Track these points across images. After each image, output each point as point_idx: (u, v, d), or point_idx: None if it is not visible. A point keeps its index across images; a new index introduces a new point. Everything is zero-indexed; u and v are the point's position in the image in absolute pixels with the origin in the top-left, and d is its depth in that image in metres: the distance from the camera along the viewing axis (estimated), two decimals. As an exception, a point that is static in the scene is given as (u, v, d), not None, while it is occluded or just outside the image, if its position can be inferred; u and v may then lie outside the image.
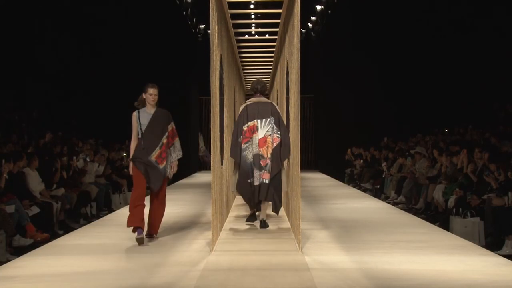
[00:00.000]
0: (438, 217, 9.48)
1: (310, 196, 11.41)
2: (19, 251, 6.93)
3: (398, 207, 10.64)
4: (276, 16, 9.61)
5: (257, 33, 14.71)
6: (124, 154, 14.03)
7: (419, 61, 15.92)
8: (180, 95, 18.50)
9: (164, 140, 6.76)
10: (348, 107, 17.21)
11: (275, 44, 11.38)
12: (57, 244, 6.64)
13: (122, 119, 16.29)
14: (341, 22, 17.35)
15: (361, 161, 15.75)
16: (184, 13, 18.67)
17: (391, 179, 12.55)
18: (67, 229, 8.50)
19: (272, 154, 7.05)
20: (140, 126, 6.87)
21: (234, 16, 9.73)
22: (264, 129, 7.14)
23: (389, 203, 11.22)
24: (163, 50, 16.97)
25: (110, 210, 10.70)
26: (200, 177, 17.96)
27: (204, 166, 21.16)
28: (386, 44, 16.17)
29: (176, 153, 7.05)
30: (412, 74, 16.03)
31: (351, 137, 17.12)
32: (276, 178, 7.05)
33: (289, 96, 7.92)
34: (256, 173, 7.03)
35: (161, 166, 6.68)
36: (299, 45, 6.36)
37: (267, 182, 7.01)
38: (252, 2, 13.29)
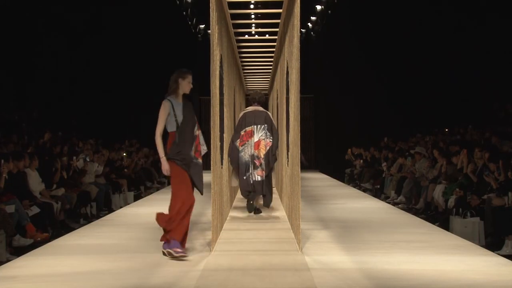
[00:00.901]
0: (438, 217, 9.48)
1: (310, 196, 11.40)
2: (19, 251, 6.93)
3: (398, 207, 10.64)
4: (276, 16, 9.61)
5: (257, 33, 14.70)
6: (124, 154, 14.03)
7: (419, 61, 15.92)
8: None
9: (197, 132, 5.95)
10: (348, 107, 17.21)
11: (275, 44, 11.38)
12: (57, 244, 6.64)
13: (122, 119, 16.37)
14: (341, 22, 17.35)
15: (361, 161, 15.75)
16: (184, 13, 18.68)
17: (391, 179, 12.54)
18: (67, 229, 8.50)
19: (265, 155, 8.19)
20: (176, 117, 5.91)
21: (234, 16, 9.73)
22: (258, 134, 8.35)
23: (389, 203, 11.21)
24: (163, 50, 16.98)
25: (110, 210, 10.70)
26: (200, 177, 17.92)
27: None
28: (386, 44, 16.17)
29: (203, 147, 6.13)
30: (412, 74, 16.03)
31: (351, 137, 17.12)
32: (268, 176, 8.18)
33: (289, 96, 7.92)
34: (253, 170, 8.15)
35: (200, 161, 5.94)
36: (299, 45, 6.35)
37: (260, 179, 8.13)
38: (252, 2, 13.28)
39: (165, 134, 5.95)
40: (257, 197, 8.54)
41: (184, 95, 6.04)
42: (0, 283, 4.79)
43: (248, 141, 8.32)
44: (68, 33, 16.01)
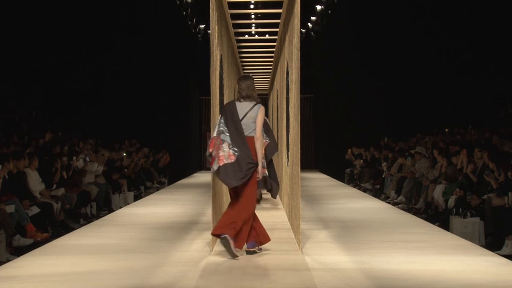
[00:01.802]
0: (438, 217, 9.48)
1: (310, 196, 11.40)
2: (19, 251, 6.94)
3: (398, 207, 10.64)
4: (276, 16, 9.62)
5: (257, 33, 14.71)
6: (124, 154, 14.04)
7: (419, 61, 15.91)
8: (181, 95, 18.51)
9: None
10: (348, 107, 17.21)
11: (275, 44, 11.39)
12: (57, 244, 6.64)
13: (122, 119, 16.37)
14: (341, 22, 17.35)
15: (361, 161, 15.75)
16: (184, 13, 18.67)
17: (391, 179, 12.54)
18: (67, 229, 8.50)
19: (264, 153, 7.86)
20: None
21: (234, 16, 9.73)
22: None
23: (389, 203, 11.21)
24: (163, 50, 16.98)
25: (110, 210, 10.70)
26: (200, 177, 17.97)
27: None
28: (386, 44, 16.16)
29: None
30: (412, 74, 16.02)
31: (351, 137, 17.12)
32: (270, 171, 7.54)
33: (289, 96, 7.92)
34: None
35: None
36: (299, 45, 6.36)
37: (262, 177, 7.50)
38: (252, 2, 13.30)
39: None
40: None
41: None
42: (0, 283, 4.79)
43: None
44: (68, 33, 16.00)
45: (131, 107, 16.57)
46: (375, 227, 7.53)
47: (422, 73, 15.97)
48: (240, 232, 5.56)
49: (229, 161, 5.53)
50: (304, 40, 20.38)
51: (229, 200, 5.94)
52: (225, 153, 5.58)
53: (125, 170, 13.10)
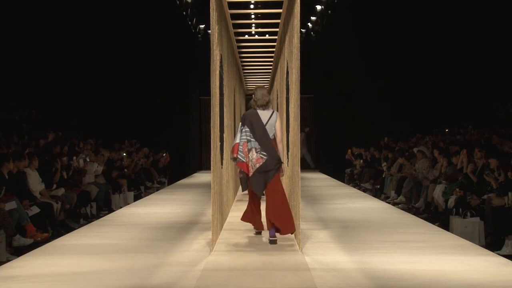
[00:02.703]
0: (438, 217, 9.48)
1: (310, 196, 11.40)
2: (19, 251, 6.94)
3: (398, 207, 10.64)
4: (276, 16, 9.62)
5: (257, 33, 14.71)
6: (124, 154, 14.04)
7: (420, 61, 15.91)
8: (181, 95, 18.51)
9: None
10: (348, 107, 17.21)
11: (275, 44, 11.38)
12: (57, 244, 6.64)
13: (122, 119, 16.37)
14: (341, 22, 17.35)
15: (361, 161, 15.75)
16: (184, 13, 18.67)
17: (391, 179, 12.54)
18: (67, 229, 8.50)
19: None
20: None
21: (234, 16, 9.73)
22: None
23: (389, 203, 11.22)
24: (163, 50, 16.98)
25: (110, 210, 10.70)
26: (200, 177, 17.96)
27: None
28: (386, 44, 16.16)
29: None
30: (413, 74, 16.02)
31: (351, 137, 17.12)
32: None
33: (289, 96, 7.92)
34: None
35: None
36: (299, 45, 6.36)
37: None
38: (252, 2, 13.29)
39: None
40: None
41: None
42: (0, 283, 4.79)
43: None
44: (68, 33, 16.01)
45: (131, 107, 16.58)
46: (375, 227, 7.53)
47: (422, 73, 15.97)
48: (271, 219, 6.27)
49: (258, 165, 6.31)
50: (304, 40, 20.38)
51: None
52: (253, 160, 6.34)
53: (125, 170, 13.10)
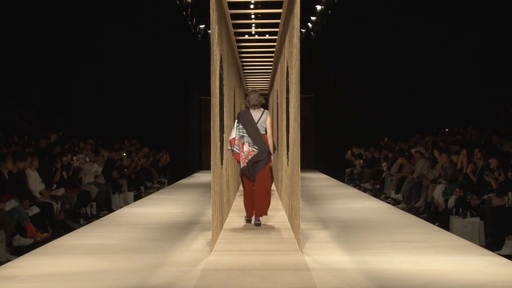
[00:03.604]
0: (438, 217, 9.48)
1: (310, 196, 11.40)
2: (19, 251, 6.94)
3: (398, 207, 10.64)
4: (276, 16, 9.62)
5: (257, 33, 14.70)
6: (124, 154, 14.03)
7: (420, 61, 15.91)
8: (181, 95, 18.51)
9: None
10: (348, 106, 17.21)
11: (275, 44, 11.38)
12: (57, 244, 6.64)
13: (122, 119, 16.37)
14: (341, 22, 17.35)
15: (361, 161, 15.75)
16: (184, 13, 18.67)
17: (391, 179, 12.54)
18: (67, 229, 8.50)
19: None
20: None
21: (234, 16, 9.73)
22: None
23: (389, 203, 11.21)
24: (163, 50, 16.98)
25: (110, 210, 10.70)
26: (200, 177, 17.96)
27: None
28: (386, 44, 16.16)
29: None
30: (413, 73, 16.02)
31: (351, 137, 17.12)
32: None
33: (289, 96, 7.92)
34: None
35: None
36: (299, 45, 6.35)
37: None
38: (252, 2, 13.28)
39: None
40: None
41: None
42: (0, 283, 4.79)
43: None
44: (69, 33, 16.00)
45: (131, 107, 16.58)
46: (375, 227, 7.52)
47: (422, 73, 15.97)
48: (257, 206, 7.41)
49: (250, 156, 7.43)
50: (304, 40, 20.38)
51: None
52: (245, 153, 7.44)
53: (125, 170, 13.10)
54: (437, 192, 9.74)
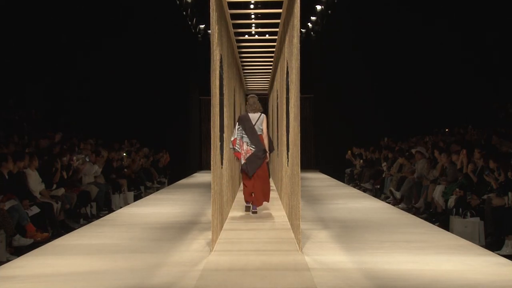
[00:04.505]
0: (438, 217, 9.48)
1: (310, 196, 11.40)
2: (19, 251, 6.93)
3: (398, 207, 10.64)
4: (276, 16, 9.62)
5: (257, 33, 14.71)
6: (124, 154, 14.03)
7: (420, 60, 15.91)
8: (181, 95, 18.51)
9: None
10: (348, 106, 17.21)
11: (275, 44, 11.39)
12: (57, 244, 6.64)
13: (122, 119, 16.37)
14: (341, 22, 17.35)
15: (361, 161, 15.75)
16: (184, 13, 18.67)
17: (391, 179, 12.54)
18: (67, 229, 8.50)
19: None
20: None
21: (234, 16, 9.73)
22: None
23: (389, 203, 11.21)
24: (163, 50, 16.98)
25: (110, 210, 10.70)
26: (200, 177, 17.97)
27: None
28: (386, 44, 16.16)
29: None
30: (413, 74, 16.02)
31: (351, 137, 17.12)
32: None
33: (289, 96, 7.92)
34: None
35: None
36: (299, 45, 6.35)
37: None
38: (252, 2, 13.29)
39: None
40: None
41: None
42: (0, 283, 4.79)
43: None
44: (69, 33, 16.01)
45: (131, 107, 16.58)
46: (375, 227, 7.52)
47: (422, 73, 15.97)
48: (256, 197, 8.57)
49: (248, 155, 8.47)
50: (304, 40, 20.38)
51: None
52: (244, 151, 8.50)
53: (125, 170, 13.10)
54: (437, 192, 9.74)
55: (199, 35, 20.92)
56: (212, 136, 6.42)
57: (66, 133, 13.65)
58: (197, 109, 21.58)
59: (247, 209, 8.79)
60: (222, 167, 7.67)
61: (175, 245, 6.39)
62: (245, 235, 7.03)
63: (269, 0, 10.05)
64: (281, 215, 8.65)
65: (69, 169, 10.31)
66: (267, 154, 8.66)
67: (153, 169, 15.30)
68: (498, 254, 6.13)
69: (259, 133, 8.60)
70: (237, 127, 8.66)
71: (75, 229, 8.22)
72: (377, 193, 13.27)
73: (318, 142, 21.56)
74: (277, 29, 10.22)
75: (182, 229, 7.49)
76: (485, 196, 8.18)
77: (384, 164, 13.67)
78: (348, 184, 15.56)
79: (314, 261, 5.46)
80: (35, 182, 8.75)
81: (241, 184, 10.07)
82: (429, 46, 15.89)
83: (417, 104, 16.01)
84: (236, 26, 10.28)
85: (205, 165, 21.05)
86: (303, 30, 20.73)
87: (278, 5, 8.88)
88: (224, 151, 8.10)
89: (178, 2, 17.58)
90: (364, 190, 13.80)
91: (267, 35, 12.87)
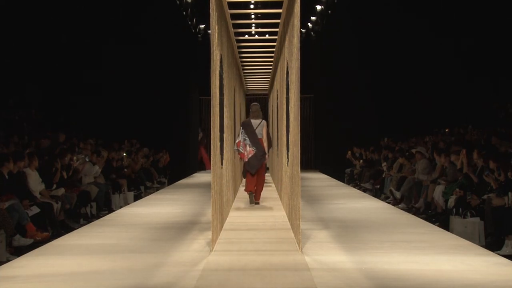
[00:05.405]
0: (438, 217, 9.48)
1: (310, 196, 11.40)
2: (19, 251, 6.93)
3: (398, 207, 10.64)
4: (276, 16, 9.62)
5: (257, 33, 14.71)
6: (124, 154, 14.02)
7: (420, 60, 15.91)
8: (181, 95, 18.51)
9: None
10: (348, 107, 17.20)
11: (275, 44, 11.39)
12: (57, 244, 6.64)
13: (122, 119, 16.37)
14: (341, 22, 17.34)
15: (361, 161, 15.74)
16: (184, 13, 18.67)
17: (391, 179, 12.54)
18: (67, 229, 8.50)
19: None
20: None
21: (234, 16, 9.73)
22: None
23: (389, 203, 11.21)
24: (163, 50, 16.97)
25: (110, 210, 10.69)
26: (200, 177, 17.97)
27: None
28: (386, 44, 16.16)
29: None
30: (413, 74, 16.02)
31: (351, 137, 17.12)
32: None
33: (289, 96, 7.92)
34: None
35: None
36: (299, 45, 6.35)
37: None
38: (252, 2, 13.28)
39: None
40: None
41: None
42: (0, 283, 4.79)
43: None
44: (68, 33, 16.01)
45: (131, 107, 16.57)
46: (375, 227, 7.53)
47: (422, 73, 15.97)
48: (257, 191, 9.84)
49: (250, 155, 9.62)
50: (304, 40, 20.36)
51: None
52: (247, 151, 9.62)
53: (125, 170, 13.09)
54: (437, 192, 9.73)
55: (199, 35, 20.91)
56: (212, 136, 6.42)
57: (66, 133, 13.64)
58: (197, 109, 21.57)
59: (251, 201, 9.76)
60: (222, 167, 7.66)
61: (175, 245, 6.39)
62: (245, 235, 7.03)
63: (269, 0, 10.05)
64: (281, 215, 8.66)
65: (69, 169, 10.30)
66: (266, 156, 9.85)
67: (153, 169, 15.30)
68: (498, 254, 6.13)
69: (259, 137, 9.73)
70: (240, 131, 9.80)
71: (75, 229, 8.23)
72: (377, 193, 13.26)
73: (318, 142, 21.55)
74: (277, 29, 10.22)
75: (182, 229, 7.50)
76: (485, 196, 8.18)
77: (384, 164, 13.67)
78: (348, 184, 15.56)
79: (314, 261, 5.47)
80: (35, 182, 8.75)
81: (243, 180, 11.48)
82: (429, 46, 15.88)
83: (417, 104, 16.00)
84: (236, 26, 10.28)
85: (205, 165, 21.04)
86: (303, 30, 20.72)
87: (278, 5, 8.88)
88: (224, 151, 8.10)
89: (178, 2, 17.57)
90: (364, 190, 13.79)
91: (267, 35, 12.87)
